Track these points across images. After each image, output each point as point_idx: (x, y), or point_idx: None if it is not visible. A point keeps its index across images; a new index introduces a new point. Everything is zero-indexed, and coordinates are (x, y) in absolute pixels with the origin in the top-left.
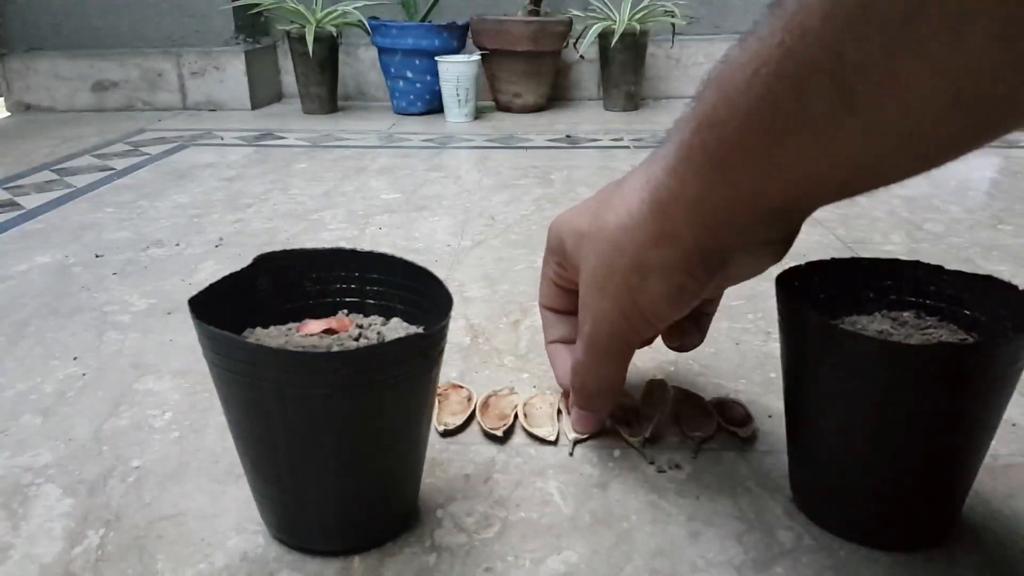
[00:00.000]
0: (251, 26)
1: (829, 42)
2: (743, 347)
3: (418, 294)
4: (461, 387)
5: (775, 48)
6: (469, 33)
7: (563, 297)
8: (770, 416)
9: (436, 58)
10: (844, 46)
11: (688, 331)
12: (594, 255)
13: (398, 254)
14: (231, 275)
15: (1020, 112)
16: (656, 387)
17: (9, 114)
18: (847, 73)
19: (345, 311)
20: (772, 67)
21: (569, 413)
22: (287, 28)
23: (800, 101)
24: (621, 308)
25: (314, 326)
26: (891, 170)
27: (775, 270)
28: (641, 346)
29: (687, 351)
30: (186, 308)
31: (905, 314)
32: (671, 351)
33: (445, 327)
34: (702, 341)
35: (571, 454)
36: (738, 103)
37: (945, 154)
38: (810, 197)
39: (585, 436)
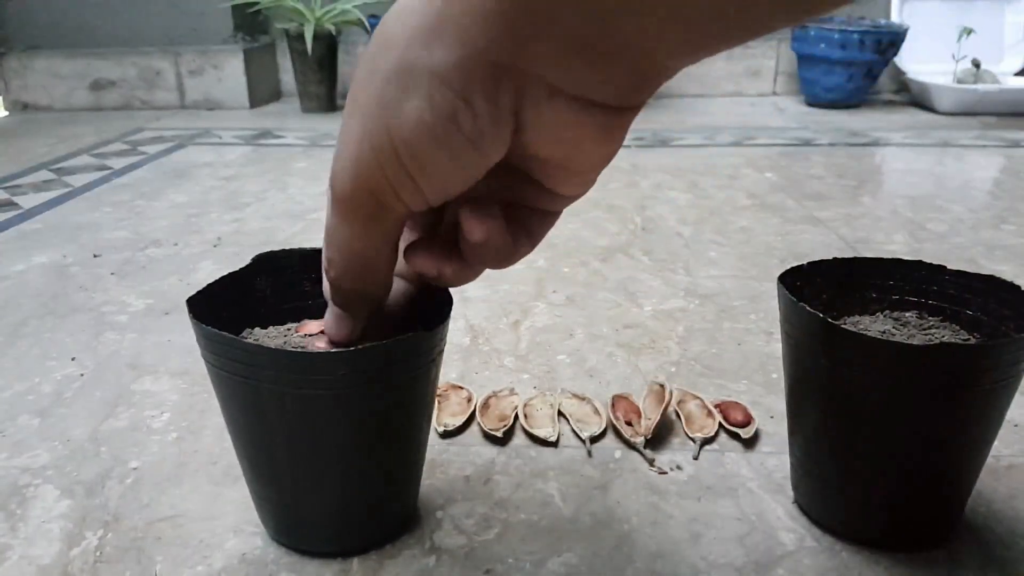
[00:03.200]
0: (249, 24)
1: None
2: (745, 348)
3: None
4: (461, 388)
5: None
6: None
7: None
8: (772, 417)
9: None
10: None
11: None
12: (362, 58)
13: None
14: (229, 275)
15: None
16: (657, 388)
17: (7, 113)
18: None
19: None
20: None
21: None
22: (286, 26)
23: None
24: (370, 134)
25: (313, 326)
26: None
27: (777, 270)
28: (420, 226)
29: (451, 281)
30: (184, 308)
31: (908, 314)
32: (671, 351)
33: (445, 327)
34: (477, 268)
35: (590, 454)
36: None
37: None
38: (633, 21)
39: (340, 347)
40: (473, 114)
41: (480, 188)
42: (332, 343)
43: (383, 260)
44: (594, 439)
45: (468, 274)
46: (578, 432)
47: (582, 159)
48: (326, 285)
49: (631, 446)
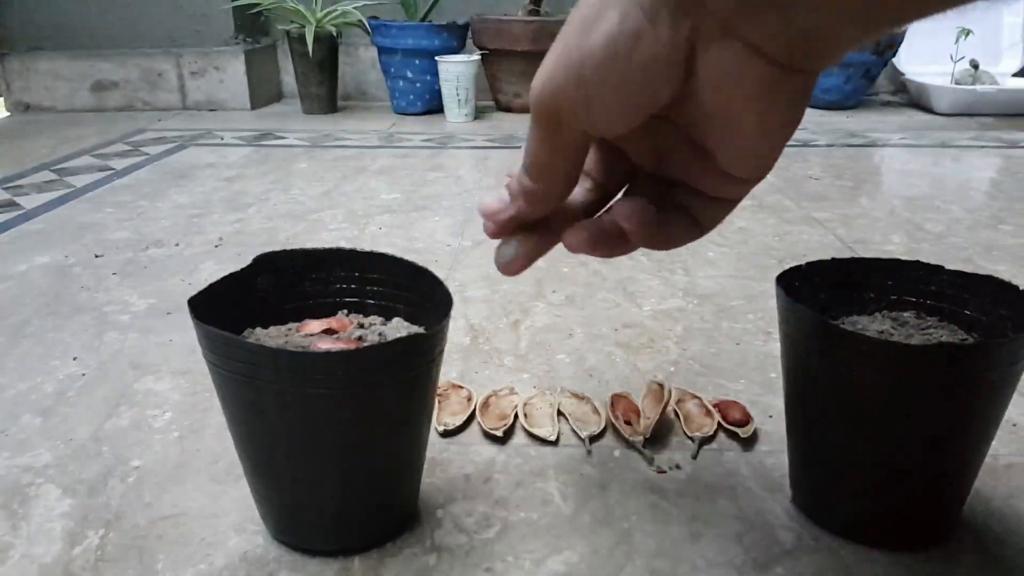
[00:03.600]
0: (251, 26)
1: None
2: (743, 347)
3: (418, 294)
4: (461, 387)
5: None
6: (469, 33)
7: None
8: (770, 416)
9: (436, 58)
10: None
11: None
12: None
13: (398, 254)
14: (231, 275)
15: None
16: (656, 387)
17: (9, 114)
18: None
19: (345, 311)
20: None
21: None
22: (287, 28)
23: None
24: (565, 49)
25: (314, 326)
26: None
27: (775, 270)
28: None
29: (639, 243)
30: (186, 308)
31: (906, 314)
32: (670, 351)
33: (445, 327)
34: (669, 242)
35: (589, 453)
36: None
37: None
38: None
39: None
40: (655, 36)
41: (653, 161)
42: (481, 213)
43: (560, 171)
44: (593, 438)
45: (625, 249)
46: (577, 431)
47: (749, 121)
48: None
49: (630, 445)
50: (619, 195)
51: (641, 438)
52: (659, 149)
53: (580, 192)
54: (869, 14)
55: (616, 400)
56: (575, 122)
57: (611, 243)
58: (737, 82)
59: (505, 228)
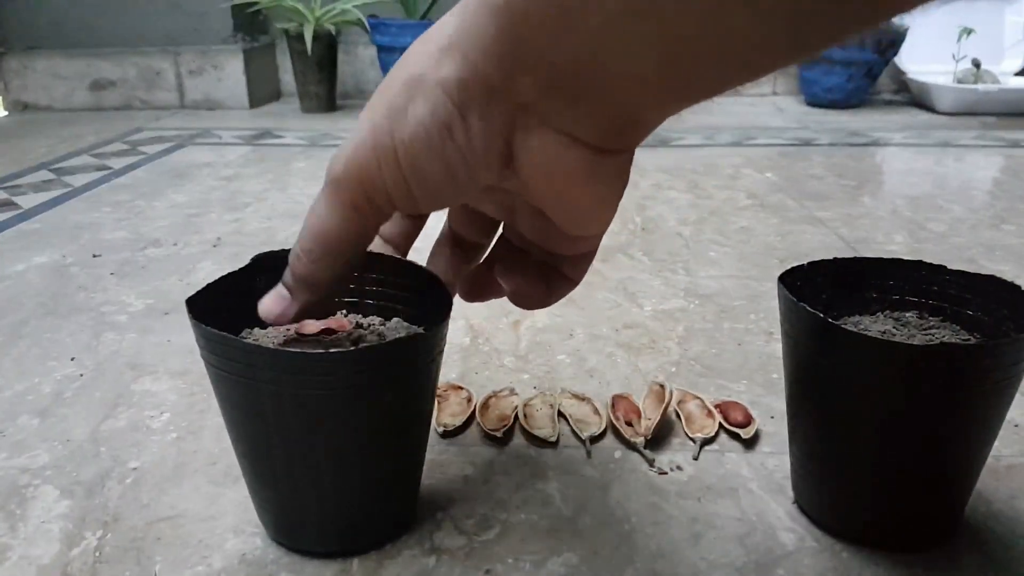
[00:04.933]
0: (249, 24)
1: None
2: (745, 348)
3: (418, 294)
4: (461, 388)
5: None
6: None
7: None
8: (772, 417)
9: None
10: None
11: (525, 271)
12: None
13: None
14: (229, 275)
15: None
16: (657, 388)
17: (7, 113)
18: None
19: (344, 311)
20: None
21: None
22: (286, 26)
23: None
24: (374, 130)
25: (313, 326)
26: (728, 43)
27: (777, 270)
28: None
29: (525, 301)
30: (184, 308)
31: (908, 314)
32: (671, 351)
33: (445, 327)
34: (543, 296)
35: (589, 455)
36: None
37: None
38: (601, 69)
39: (273, 319)
40: (466, 127)
41: (516, 231)
42: (266, 320)
43: (350, 250)
44: (594, 439)
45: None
46: (577, 432)
47: (576, 198)
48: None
49: (631, 446)
50: (494, 240)
51: (642, 439)
52: (506, 207)
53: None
54: (673, 97)
55: (617, 401)
56: (386, 201)
57: (488, 293)
58: (555, 166)
59: (289, 317)
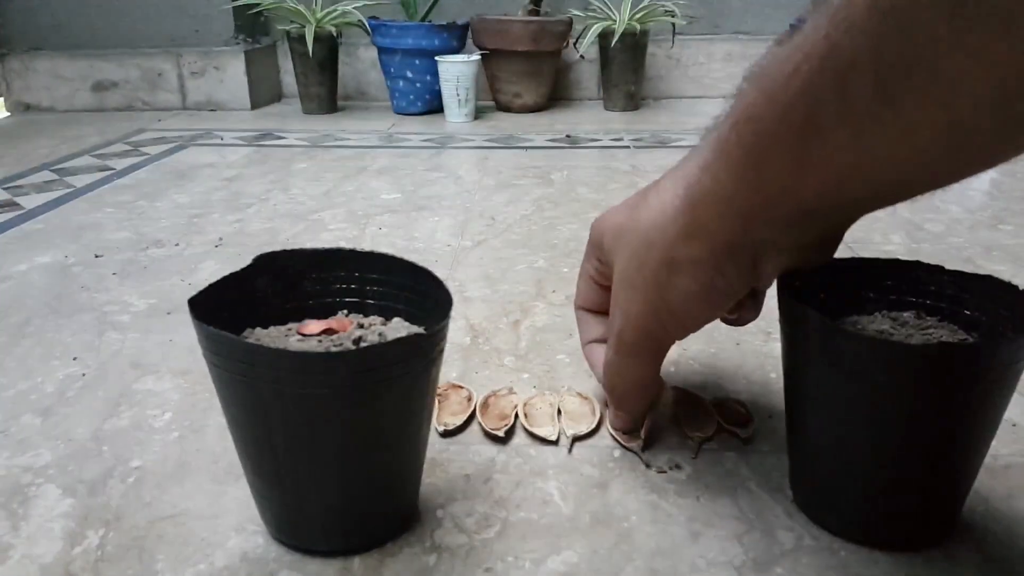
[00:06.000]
0: (251, 26)
1: (873, 34)
2: (744, 347)
3: (418, 294)
4: (461, 387)
5: (820, 41)
6: (469, 33)
7: (601, 296)
8: (771, 416)
9: (436, 58)
10: (887, 38)
11: (745, 305)
12: (627, 250)
13: (398, 254)
14: (231, 275)
15: None
16: None
17: (9, 114)
18: (889, 66)
19: (345, 311)
20: (815, 61)
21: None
22: (287, 28)
23: (840, 95)
24: (650, 304)
25: (314, 326)
26: (928, 173)
27: None
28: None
29: (742, 325)
30: (186, 308)
31: (905, 314)
32: (671, 351)
33: (445, 327)
34: (757, 315)
35: (570, 451)
36: (777, 97)
37: (985, 156)
38: (843, 199)
39: (622, 437)
40: (724, 277)
41: None
42: (615, 431)
43: (655, 376)
44: (578, 438)
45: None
46: (563, 430)
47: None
48: (607, 397)
49: (626, 448)
50: None
51: (638, 443)
52: None
53: None
54: (879, 195)
55: None
56: (669, 340)
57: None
58: (793, 268)
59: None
